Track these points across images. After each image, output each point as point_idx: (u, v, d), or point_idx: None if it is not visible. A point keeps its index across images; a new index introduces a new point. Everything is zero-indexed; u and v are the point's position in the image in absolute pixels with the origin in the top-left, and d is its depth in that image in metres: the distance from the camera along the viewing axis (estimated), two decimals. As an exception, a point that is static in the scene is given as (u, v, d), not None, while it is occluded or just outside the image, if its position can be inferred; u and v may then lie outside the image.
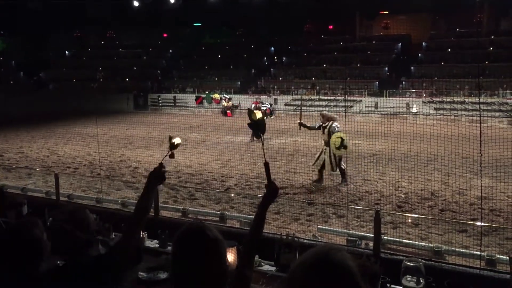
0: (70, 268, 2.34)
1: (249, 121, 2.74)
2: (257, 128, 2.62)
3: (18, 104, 29.00)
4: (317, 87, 31.46)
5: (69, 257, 2.40)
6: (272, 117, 25.65)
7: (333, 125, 11.01)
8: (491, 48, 30.62)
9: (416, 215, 8.41)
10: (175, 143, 2.76)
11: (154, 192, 2.65)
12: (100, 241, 4.35)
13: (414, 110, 25.54)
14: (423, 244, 6.48)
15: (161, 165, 2.60)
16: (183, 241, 2.01)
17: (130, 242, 2.49)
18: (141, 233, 4.61)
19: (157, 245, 4.62)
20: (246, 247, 2.43)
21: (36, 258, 2.46)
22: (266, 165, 2.55)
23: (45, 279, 2.35)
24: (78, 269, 2.31)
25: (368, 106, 27.02)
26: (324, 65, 34.17)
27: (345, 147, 10.68)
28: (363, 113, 26.14)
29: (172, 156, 2.72)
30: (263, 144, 2.71)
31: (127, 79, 37.24)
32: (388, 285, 3.38)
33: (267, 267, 3.90)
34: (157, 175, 2.59)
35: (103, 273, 2.32)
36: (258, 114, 2.82)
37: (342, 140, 10.65)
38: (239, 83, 34.95)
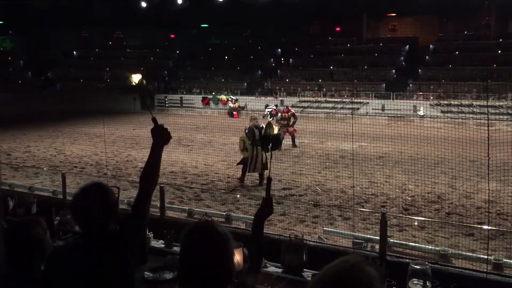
0: (90, 239, 2.33)
1: (264, 135, 2.71)
2: (272, 143, 2.59)
3: (26, 103, 29.16)
4: (324, 89, 31.42)
5: (88, 231, 2.37)
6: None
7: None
8: (499, 51, 30.45)
9: (423, 218, 8.37)
10: (140, 81, 2.64)
11: (161, 155, 2.52)
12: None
13: (421, 112, 25.44)
14: (430, 247, 6.46)
15: (157, 121, 2.47)
16: (193, 236, 2.00)
17: (144, 209, 2.46)
18: (147, 232, 4.62)
19: (162, 245, 4.62)
20: (250, 262, 2.42)
21: (37, 257, 2.45)
22: (269, 180, 2.52)
23: (64, 251, 2.36)
24: (97, 239, 2.32)
25: (375, 109, 26.94)
26: (331, 67, 34.12)
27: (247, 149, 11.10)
28: (369, 115, 26.07)
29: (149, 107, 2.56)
30: (270, 158, 2.68)
31: (134, 79, 37.37)
32: (394, 288, 3.36)
33: (272, 268, 3.90)
34: (163, 134, 2.46)
35: (116, 244, 2.32)
36: (275, 129, 2.78)
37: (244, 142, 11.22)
38: (245, 84, 34.97)
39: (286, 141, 16.55)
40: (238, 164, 11.57)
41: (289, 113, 17.43)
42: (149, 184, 2.52)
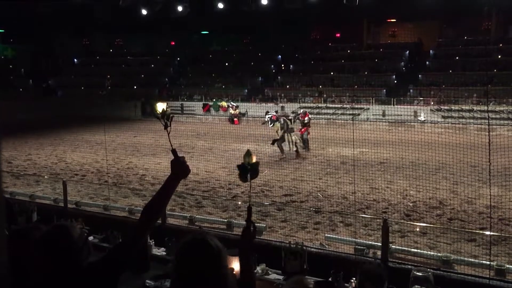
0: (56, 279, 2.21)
1: (242, 164, 2.65)
2: (251, 172, 2.54)
3: (27, 111, 29.22)
4: (324, 95, 31.44)
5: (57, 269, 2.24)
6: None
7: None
8: (500, 56, 30.48)
9: (424, 224, 8.36)
10: (163, 110, 2.51)
11: (175, 188, 2.40)
12: (107, 248, 4.35)
13: (422, 118, 25.43)
14: (432, 253, 6.44)
15: (177, 153, 2.36)
16: (186, 250, 2.02)
17: (135, 244, 2.31)
18: (148, 240, 4.61)
19: (164, 253, 4.62)
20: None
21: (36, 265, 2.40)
22: (249, 208, 2.48)
23: None
24: (64, 278, 2.20)
25: (375, 114, 26.94)
26: (331, 73, 34.16)
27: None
28: (370, 121, 26.07)
29: (166, 127, 2.46)
30: (250, 187, 2.64)
31: (135, 87, 37.44)
32: (396, 294, 3.35)
33: (274, 275, 3.89)
34: (182, 167, 2.35)
35: (96, 278, 2.20)
36: (254, 158, 2.81)
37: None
38: (246, 90, 35.02)
39: (287, 148, 16.77)
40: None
41: (307, 117, 17.81)
42: (153, 215, 2.37)
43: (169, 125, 2.47)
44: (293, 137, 16.27)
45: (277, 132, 16.28)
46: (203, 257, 1.98)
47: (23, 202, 7.13)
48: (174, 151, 2.39)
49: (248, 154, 2.61)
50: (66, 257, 2.24)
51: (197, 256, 1.98)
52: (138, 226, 2.33)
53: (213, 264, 1.98)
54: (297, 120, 17.60)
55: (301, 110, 19.53)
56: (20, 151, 18.44)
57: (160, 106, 2.67)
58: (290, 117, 17.24)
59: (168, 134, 2.44)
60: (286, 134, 16.12)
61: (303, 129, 17.31)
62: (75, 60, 44.32)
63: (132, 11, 27.73)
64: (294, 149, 16.21)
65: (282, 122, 16.33)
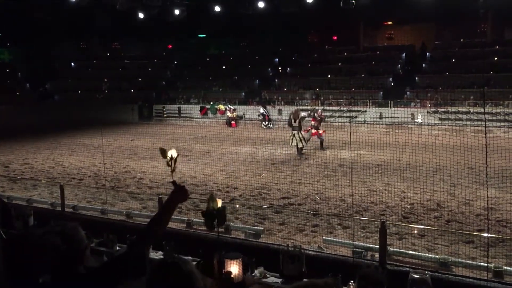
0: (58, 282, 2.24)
1: (207, 210, 2.71)
2: (217, 218, 2.57)
3: (24, 115, 29.16)
4: (322, 98, 31.46)
5: (55, 274, 2.27)
6: (270, 126, 25.87)
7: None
8: (496, 58, 30.57)
9: (422, 226, 8.37)
10: (173, 156, 2.76)
11: (174, 210, 2.65)
12: (104, 252, 4.34)
13: (419, 120, 25.47)
14: (430, 255, 6.45)
15: (176, 184, 2.58)
16: (156, 274, 2.02)
17: (135, 255, 2.41)
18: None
19: (161, 257, 4.60)
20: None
21: (36, 269, 2.41)
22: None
23: None
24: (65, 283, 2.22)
25: (372, 117, 26.97)
26: (329, 76, 34.18)
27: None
28: (367, 123, 26.09)
29: (174, 170, 2.73)
30: (218, 234, 2.72)
31: (132, 90, 37.42)
32: (394, 297, 3.35)
33: (272, 278, 3.88)
34: (180, 195, 2.58)
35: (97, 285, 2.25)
36: (219, 203, 2.75)
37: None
38: (243, 93, 35.03)
39: (314, 143, 17.59)
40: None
41: (322, 115, 18.32)
42: (153, 236, 2.58)
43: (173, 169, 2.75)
44: (300, 136, 16.52)
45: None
46: (173, 281, 1.97)
47: (19, 207, 7.10)
48: (174, 182, 2.62)
49: (212, 199, 2.69)
50: (70, 259, 2.25)
51: (168, 280, 1.98)
52: (139, 243, 2.49)
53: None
54: (314, 114, 18.18)
55: (319, 109, 19.74)
56: (17, 155, 18.40)
57: (173, 153, 2.80)
58: (303, 114, 17.43)
59: (171, 167, 2.75)
60: (295, 133, 16.39)
61: (321, 132, 17.70)
62: (72, 63, 44.26)
63: (129, 14, 27.73)
64: (300, 146, 16.49)
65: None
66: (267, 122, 26.89)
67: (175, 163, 2.77)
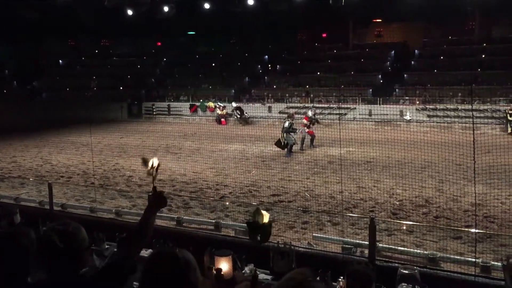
0: (57, 283, 2.24)
1: (253, 222, 2.67)
2: (261, 234, 2.55)
3: (12, 113, 28.85)
4: (311, 95, 31.52)
5: (56, 272, 2.27)
6: (245, 116, 26.54)
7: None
8: (483, 56, 30.84)
9: (411, 222, 8.43)
10: (154, 166, 2.82)
11: (155, 217, 2.70)
12: (94, 251, 4.31)
13: (407, 117, 25.62)
14: (418, 251, 6.50)
15: (156, 190, 2.64)
16: (153, 263, 2.01)
17: (127, 260, 2.41)
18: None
19: (152, 255, 4.59)
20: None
21: (23, 268, 2.40)
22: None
23: None
24: (65, 283, 2.23)
25: (362, 114, 27.07)
26: (318, 73, 34.25)
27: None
28: (357, 120, 26.21)
29: (155, 178, 2.78)
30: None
31: (121, 88, 37.19)
32: (383, 292, 3.37)
33: (262, 275, 3.89)
34: (159, 201, 2.63)
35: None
36: (266, 218, 2.71)
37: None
38: (233, 91, 34.98)
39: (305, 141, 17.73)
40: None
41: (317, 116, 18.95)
42: (139, 243, 2.61)
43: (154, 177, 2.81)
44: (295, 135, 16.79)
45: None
46: (169, 270, 1.97)
47: (5, 205, 7.04)
48: (154, 188, 2.70)
49: (258, 212, 2.66)
50: (69, 259, 2.26)
51: (164, 269, 1.97)
52: (127, 250, 2.55)
53: (180, 277, 1.96)
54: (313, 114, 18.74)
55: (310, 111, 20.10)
56: (5, 153, 18.22)
57: (151, 161, 2.85)
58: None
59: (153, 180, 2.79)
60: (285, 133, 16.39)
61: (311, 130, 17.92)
62: (60, 61, 43.86)
63: (118, 11, 27.56)
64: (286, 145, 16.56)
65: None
66: (239, 115, 27.60)
67: (156, 171, 2.83)
